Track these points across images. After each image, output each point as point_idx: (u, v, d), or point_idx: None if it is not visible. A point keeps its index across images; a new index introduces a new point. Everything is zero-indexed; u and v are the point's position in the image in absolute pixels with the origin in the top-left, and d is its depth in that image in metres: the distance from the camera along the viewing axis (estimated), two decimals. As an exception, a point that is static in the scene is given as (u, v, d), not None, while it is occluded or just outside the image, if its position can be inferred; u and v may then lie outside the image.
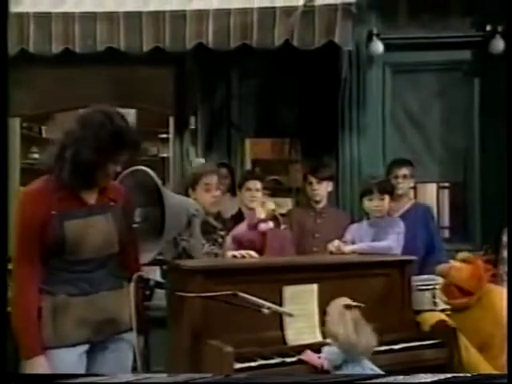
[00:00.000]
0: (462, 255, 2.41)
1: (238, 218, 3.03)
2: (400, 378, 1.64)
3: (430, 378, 1.61)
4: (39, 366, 1.74)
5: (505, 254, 3.06)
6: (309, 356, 2.06)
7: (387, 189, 2.80)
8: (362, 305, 2.06)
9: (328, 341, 2.06)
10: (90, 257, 1.79)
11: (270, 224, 2.59)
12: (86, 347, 1.81)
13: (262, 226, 2.58)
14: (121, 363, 1.83)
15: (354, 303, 2.05)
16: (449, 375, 1.69)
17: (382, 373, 1.98)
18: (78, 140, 1.73)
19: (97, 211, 1.82)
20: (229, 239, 2.62)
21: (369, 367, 2.00)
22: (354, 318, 2.02)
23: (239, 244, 2.62)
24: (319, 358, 2.03)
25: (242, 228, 2.84)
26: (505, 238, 3.18)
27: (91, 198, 1.83)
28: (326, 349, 2.03)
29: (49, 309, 1.78)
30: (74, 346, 1.78)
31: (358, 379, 1.73)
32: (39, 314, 1.77)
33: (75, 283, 1.79)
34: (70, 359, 1.77)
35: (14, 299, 1.79)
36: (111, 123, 1.74)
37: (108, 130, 1.72)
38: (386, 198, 2.76)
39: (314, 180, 3.25)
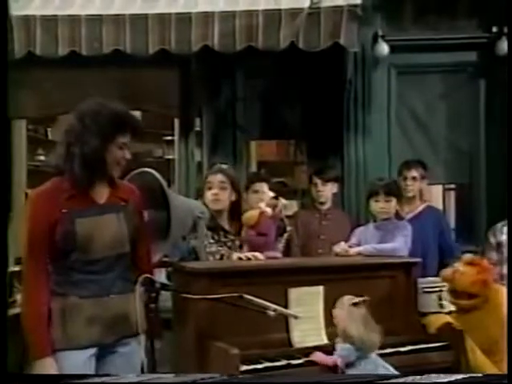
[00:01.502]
0: (466, 258, 2.39)
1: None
2: (413, 379, 1.64)
3: (442, 378, 1.61)
4: (48, 366, 1.75)
5: (493, 255, 3.04)
6: (319, 356, 2.06)
7: (393, 191, 2.79)
8: (368, 298, 2.06)
9: (338, 340, 2.06)
10: (100, 256, 1.80)
11: (268, 208, 2.58)
12: (94, 350, 1.81)
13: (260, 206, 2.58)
14: (130, 367, 1.83)
15: (361, 298, 2.06)
16: (459, 376, 1.69)
17: (393, 370, 1.98)
18: (79, 133, 1.78)
19: (108, 210, 1.83)
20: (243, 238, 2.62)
21: (381, 364, 2.00)
22: (362, 315, 2.02)
23: (248, 238, 2.59)
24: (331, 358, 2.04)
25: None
26: (492, 240, 3.17)
27: (102, 197, 1.85)
28: (339, 346, 2.03)
29: (59, 310, 1.78)
30: (82, 348, 1.78)
31: (372, 379, 1.73)
32: (50, 315, 1.78)
33: (85, 285, 1.80)
34: (79, 361, 1.77)
35: (25, 299, 1.80)
36: (105, 107, 1.80)
37: (104, 113, 1.78)
38: (393, 200, 2.75)
39: (318, 181, 3.25)
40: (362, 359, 1.99)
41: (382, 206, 2.73)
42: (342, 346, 2.02)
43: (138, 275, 1.80)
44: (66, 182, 1.80)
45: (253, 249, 2.48)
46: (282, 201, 2.92)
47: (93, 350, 1.81)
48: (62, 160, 1.80)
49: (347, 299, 2.08)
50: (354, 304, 2.05)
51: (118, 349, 1.85)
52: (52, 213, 1.77)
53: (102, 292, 1.81)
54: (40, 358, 1.75)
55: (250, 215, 2.57)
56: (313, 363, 2.06)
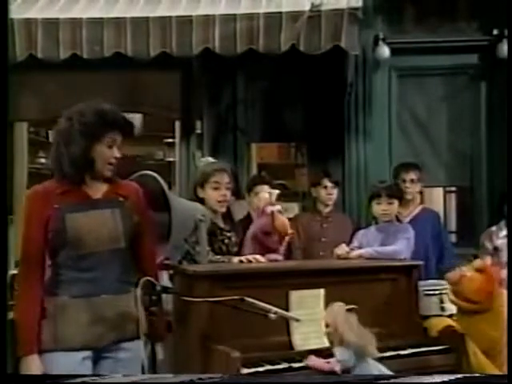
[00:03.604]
0: (476, 264, 2.36)
1: (248, 221, 3.02)
2: (402, 379, 1.63)
3: (432, 379, 1.61)
4: (31, 364, 1.73)
5: (488, 259, 3.03)
6: (314, 361, 2.04)
7: (396, 193, 2.79)
8: (356, 307, 2.05)
9: (335, 346, 2.04)
10: (91, 251, 1.78)
11: (277, 206, 2.55)
12: (88, 354, 1.78)
13: (268, 208, 2.55)
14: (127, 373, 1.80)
15: (351, 306, 2.04)
16: (453, 376, 1.69)
17: (389, 373, 1.97)
18: (67, 132, 1.79)
19: (102, 205, 1.82)
20: (248, 239, 2.58)
21: (376, 368, 1.98)
22: (356, 321, 2.00)
23: (256, 239, 2.56)
24: (328, 362, 2.02)
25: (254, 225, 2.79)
26: (488, 245, 3.15)
27: (97, 192, 1.84)
28: (338, 351, 2.00)
29: (51, 310, 1.78)
30: (73, 350, 1.76)
31: (365, 380, 1.72)
32: (44, 315, 1.77)
33: (76, 284, 1.78)
34: (71, 364, 1.75)
35: (18, 296, 1.80)
36: (91, 107, 1.81)
37: (89, 113, 1.79)
38: (395, 202, 2.75)
39: (329, 184, 3.26)
40: (359, 364, 1.97)
41: (383, 208, 2.72)
42: (341, 352, 1.99)
43: (139, 277, 1.79)
44: (59, 181, 1.81)
45: (261, 248, 2.46)
46: (272, 191, 2.87)
47: (86, 353, 1.78)
48: (53, 160, 1.81)
49: (339, 306, 2.04)
50: (348, 310, 2.02)
51: (114, 354, 1.82)
52: (45, 210, 1.77)
53: (93, 291, 1.78)
54: (25, 356, 1.74)
55: (284, 223, 2.51)
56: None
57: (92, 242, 1.78)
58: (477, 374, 2.08)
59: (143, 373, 1.76)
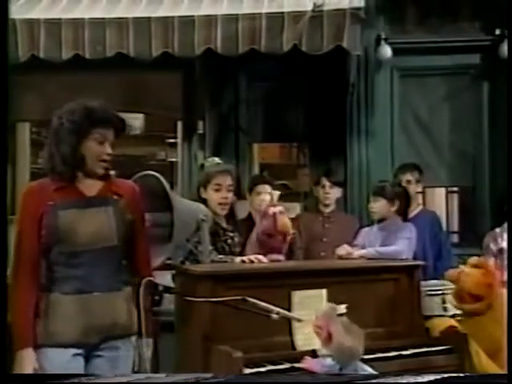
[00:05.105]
0: (472, 260, 2.39)
1: (249, 221, 3.02)
2: (395, 379, 1.63)
3: (427, 377, 1.61)
4: (26, 358, 1.73)
5: (491, 261, 3.02)
6: (309, 363, 2.02)
7: (396, 192, 2.80)
8: (346, 310, 2.02)
9: (322, 351, 1.97)
10: (82, 248, 1.78)
11: (279, 207, 2.55)
12: (79, 351, 1.78)
13: (271, 210, 2.55)
14: (118, 372, 1.79)
15: (342, 310, 2.01)
16: (446, 375, 1.69)
17: (372, 371, 1.95)
18: (57, 131, 1.80)
19: (96, 203, 1.81)
20: (253, 238, 2.58)
21: (361, 368, 1.95)
22: (344, 322, 1.96)
23: (260, 241, 2.55)
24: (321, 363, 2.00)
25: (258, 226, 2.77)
26: (493, 246, 3.15)
27: (91, 190, 1.83)
28: (321, 361, 1.97)
29: (43, 306, 1.78)
30: (64, 346, 1.75)
31: (356, 379, 1.71)
32: (37, 311, 1.78)
33: (69, 280, 1.78)
34: (61, 360, 1.75)
35: (12, 291, 1.79)
36: (80, 105, 1.82)
37: (78, 110, 1.80)
38: (380, 200, 2.77)
39: (327, 183, 3.26)
40: (346, 367, 1.93)
41: (371, 205, 2.77)
42: (322, 362, 1.93)
43: (140, 278, 1.79)
44: (53, 180, 1.82)
45: (265, 250, 2.46)
46: (274, 192, 2.86)
47: (77, 350, 1.78)
48: (47, 160, 1.82)
49: (333, 308, 1.98)
50: (340, 314, 1.98)
51: (105, 353, 1.81)
52: (39, 206, 1.78)
53: (85, 288, 1.78)
54: (20, 349, 1.74)
55: (286, 224, 2.49)
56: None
57: (85, 239, 1.78)
58: (477, 374, 2.08)
59: (135, 372, 1.76)
